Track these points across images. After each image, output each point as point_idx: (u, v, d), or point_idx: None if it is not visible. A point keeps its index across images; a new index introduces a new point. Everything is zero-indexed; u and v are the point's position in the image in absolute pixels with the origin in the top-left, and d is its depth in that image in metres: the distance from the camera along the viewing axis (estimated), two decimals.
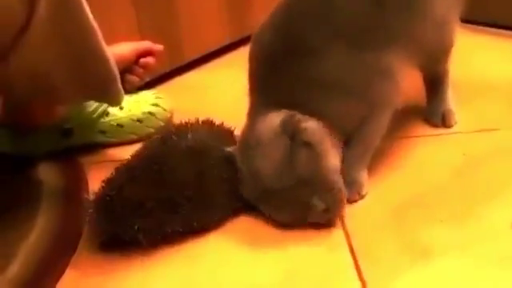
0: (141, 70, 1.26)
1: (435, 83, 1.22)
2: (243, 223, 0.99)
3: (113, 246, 0.93)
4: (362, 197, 1.01)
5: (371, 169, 1.04)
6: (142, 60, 1.25)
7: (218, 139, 1.03)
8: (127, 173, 0.96)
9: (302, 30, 0.97)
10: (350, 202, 1.00)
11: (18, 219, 1.03)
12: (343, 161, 1.01)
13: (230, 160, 0.99)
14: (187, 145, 0.99)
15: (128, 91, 1.25)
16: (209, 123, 1.07)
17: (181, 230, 0.94)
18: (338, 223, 0.96)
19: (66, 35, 0.97)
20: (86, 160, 1.22)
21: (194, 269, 0.90)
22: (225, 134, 1.07)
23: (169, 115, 1.30)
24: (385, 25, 0.99)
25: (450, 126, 1.20)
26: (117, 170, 0.97)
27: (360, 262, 0.87)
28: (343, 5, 0.98)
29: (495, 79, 1.38)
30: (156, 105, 1.30)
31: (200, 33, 1.58)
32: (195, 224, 0.95)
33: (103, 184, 0.95)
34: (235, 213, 0.99)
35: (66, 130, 1.22)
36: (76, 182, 1.15)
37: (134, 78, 1.24)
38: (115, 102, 1.12)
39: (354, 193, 1.01)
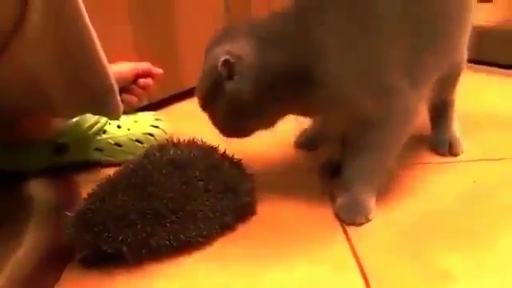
0: (139, 91, 1.22)
1: (441, 112, 1.21)
2: (240, 239, 0.94)
3: (97, 262, 0.87)
4: (368, 221, 0.96)
5: (379, 194, 1.00)
6: (142, 80, 1.22)
7: (201, 153, 0.99)
8: (109, 186, 0.91)
9: None
10: (357, 225, 0.95)
11: (7, 234, 0.97)
12: (348, 182, 0.98)
13: (215, 171, 0.95)
14: (169, 158, 0.95)
15: (125, 111, 1.21)
16: (191, 141, 1.03)
17: (167, 243, 0.88)
18: (346, 244, 0.91)
19: (62, 40, 0.94)
20: (81, 178, 1.16)
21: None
22: (208, 149, 1.02)
23: (168, 137, 1.25)
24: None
25: (457, 155, 1.17)
26: (98, 185, 0.92)
27: (371, 284, 0.81)
28: None
29: (499, 113, 1.39)
30: (156, 126, 1.26)
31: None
32: (182, 237, 0.89)
33: (84, 199, 0.91)
34: (222, 228, 0.94)
35: (60, 146, 1.16)
36: (68, 199, 1.08)
37: (132, 98, 1.20)
38: (113, 114, 1.07)
39: (361, 216, 0.96)
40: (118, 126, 1.22)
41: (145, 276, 0.86)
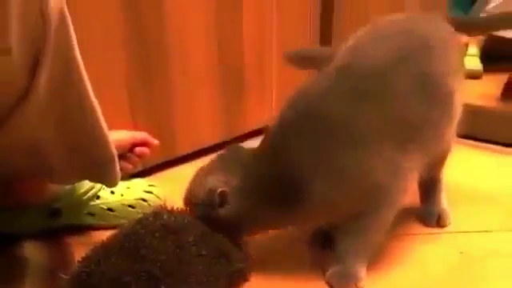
0: (136, 159, 1.24)
1: (430, 187, 1.22)
2: None
3: None
4: None
5: (369, 263, 1.01)
6: (138, 149, 1.23)
7: (195, 219, 0.99)
8: (103, 250, 0.91)
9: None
10: None
11: None
12: (341, 252, 1.00)
13: (208, 236, 0.96)
14: (162, 223, 0.95)
15: (121, 178, 1.23)
16: (185, 209, 1.03)
17: None
18: None
19: (65, 110, 0.96)
20: (73, 240, 1.16)
21: None
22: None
23: (162, 203, 1.25)
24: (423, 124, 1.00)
25: (444, 226, 1.19)
26: (92, 249, 0.92)
27: None
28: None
29: (485, 187, 1.40)
30: (149, 192, 1.27)
31: (193, 129, 1.58)
32: None
33: (79, 262, 0.91)
34: None
35: (54, 210, 1.17)
36: (62, 261, 1.09)
37: (128, 166, 1.21)
38: (111, 183, 1.09)
39: (352, 284, 0.97)
40: (112, 192, 1.23)
41: None
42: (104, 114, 1.04)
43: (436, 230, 1.18)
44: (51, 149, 0.99)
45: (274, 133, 0.99)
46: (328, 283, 0.99)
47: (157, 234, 0.93)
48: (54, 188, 1.17)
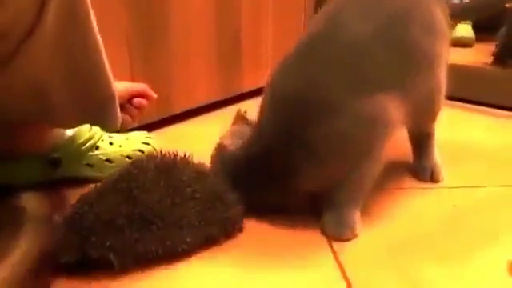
0: (134, 110, 1.23)
1: (422, 142, 1.23)
2: (227, 251, 0.95)
3: (81, 268, 0.87)
4: (354, 236, 0.98)
5: (363, 214, 1.02)
6: (136, 100, 1.23)
7: (188, 161, 1.00)
8: (97, 192, 0.92)
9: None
10: (343, 240, 0.98)
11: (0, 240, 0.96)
12: (334, 200, 1.00)
13: (203, 178, 0.96)
14: (155, 164, 0.95)
15: (118, 130, 1.22)
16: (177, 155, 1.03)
17: (153, 249, 0.88)
18: (331, 257, 0.93)
19: (70, 48, 0.94)
20: (71, 192, 1.15)
21: None
22: (195, 163, 1.02)
23: None
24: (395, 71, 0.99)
25: (438, 181, 1.20)
26: (86, 192, 0.93)
27: None
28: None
29: (477, 146, 1.43)
30: (147, 144, 1.27)
31: (190, 88, 1.59)
32: (168, 243, 0.89)
33: (72, 204, 0.91)
34: (207, 239, 0.94)
35: (53, 160, 1.16)
36: (60, 211, 1.08)
37: (125, 117, 1.20)
38: (112, 124, 1.08)
39: (347, 231, 0.98)
40: (110, 143, 1.22)
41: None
42: None
43: (429, 185, 1.19)
44: (54, 88, 0.98)
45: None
46: (323, 231, 0.99)
47: (150, 175, 0.92)
48: (53, 138, 1.17)
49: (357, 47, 0.96)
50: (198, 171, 0.97)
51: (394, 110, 0.99)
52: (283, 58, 1.02)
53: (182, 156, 1.00)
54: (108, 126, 1.10)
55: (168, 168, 0.95)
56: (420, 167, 1.22)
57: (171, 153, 1.00)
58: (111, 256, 0.85)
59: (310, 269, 0.90)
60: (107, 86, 1.01)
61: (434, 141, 1.23)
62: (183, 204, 0.92)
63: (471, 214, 1.06)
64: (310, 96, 0.94)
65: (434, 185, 1.19)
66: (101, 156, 1.21)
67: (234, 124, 1.15)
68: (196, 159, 1.02)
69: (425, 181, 1.20)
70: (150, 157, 0.99)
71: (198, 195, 0.93)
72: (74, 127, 1.17)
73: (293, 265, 0.91)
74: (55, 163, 1.16)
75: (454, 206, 1.10)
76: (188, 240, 0.91)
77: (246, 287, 0.85)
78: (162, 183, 0.92)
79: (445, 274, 0.88)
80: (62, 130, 1.18)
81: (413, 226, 1.02)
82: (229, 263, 0.91)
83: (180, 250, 0.91)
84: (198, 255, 0.93)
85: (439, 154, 1.24)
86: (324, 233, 0.99)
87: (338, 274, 0.88)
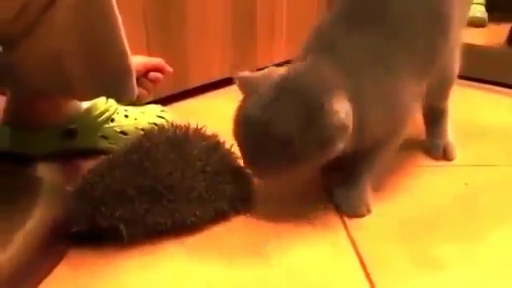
0: (149, 84, 1.23)
1: (435, 119, 1.23)
2: (238, 225, 0.95)
3: (91, 239, 0.88)
4: (369, 212, 0.98)
5: (375, 191, 1.02)
6: (152, 74, 1.22)
7: (200, 135, 0.99)
8: (108, 163, 0.92)
9: None
10: (359, 216, 0.97)
11: (16, 210, 0.96)
12: (352, 175, 1.00)
13: (213, 151, 0.95)
14: (168, 137, 0.95)
15: (134, 103, 1.22)
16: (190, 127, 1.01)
17: (162, 221, 0.88)
18: (344, 233, 0.93)
19: (88, 20, 0.94)
20: (86, 164, 1.13)
21: (190, 264, 0.85)
22: (207, 135, 1.01)
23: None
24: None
25: (451, 159, 1.19)
26: (98, 162, 0.93)
27: (368, 267, 0.84)
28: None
29: (491, 125, 1.41)
30: (161, 117, 1.27)
31: (205, 63, 1.59)
32: (177, 215, 0.89)
33: (83, 175, 0.91)
34: (217, 213, 0.94)
35: (69, 131, 1.16)
36: (73, 181, 1.09)
37: (141, 91, 1.20)
38: (128, 97, 1.07)
39: (363, 208, 0.98)
40: (126, 116, 1.23)
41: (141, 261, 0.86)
42: None
43: (442, 162, 1.18)
44: (72, 58, 0.98)
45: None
46: (337, 206, 0.99)
47: (161, 148, 0.92)
48: (70, 110, 1.17)
49: None
50: (209, 145, 0.97)
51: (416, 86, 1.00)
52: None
53: (195, 129, 1.00)
54: (124, 99, 1.10)
55: (180, 141, 0.95)
56: (432, 144, 1.22)
57: (183, 126, 1.00)
58: (121, 226, 0.86)
59: (322, 244, 0.90)
60: (124, 58, 1.01)
61: (448, 119, 1.23)
62: (193, 177, 0.91)
63: (483, 193, 1.06)
64: None
65: (447, 163, 1.18)
66: (116, 128, 1.20)
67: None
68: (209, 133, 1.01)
69: (437, 158, 1.19)
70: (162, 129, 0.99)
71: (208, 169, 0.93)
72: (90, 100, 1.17)
73: (305, 241, 0.91)
74: (71, 134, 1.17)
75: (467, 184, 1.09)
76: (197, 213, 0.91)
77: (257, 264, 0.86)
78: (172, 156, 0.91)
79: (456, 250, 0.88)
80: (78, 102, 1.18)
81: (425, 203, 1.02)
82: (236, 239, 0.91)
83: (189, 222, 0.91)
84: (206, 230, 0.93)
85: (453, 132, 1.23)
86: (338, 208, 0.99)
87: (351, 249, 0.89)
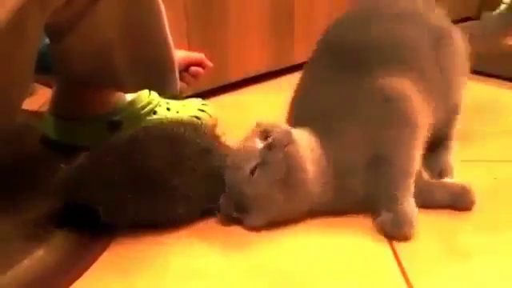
0: (190, 78, 1.25)
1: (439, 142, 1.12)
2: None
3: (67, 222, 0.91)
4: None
5: None
6: (193, 68, 1.25)
7: (198, 136, 0.97)
8: (103, 150, 0.93)
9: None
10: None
11: None
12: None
13: (207, 153, 0.95)
14: (165, 133, 0.95)
15: (175, 97, 1.24)
16: (193, 123, 1.03)
17: (144, 214, 0.90)
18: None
19: (133, 11, 0.97)
20: None
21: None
22: (210, 134, 1.01)
23: (213, 122, 1.28)
24: None
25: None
26: (96, 146, 0.94)
27: (399, 255, 0.86)
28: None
29: None
30: (202, 110, 1.30)
31: (245, 58, 1.61)
32: (160, 211, 0.91)
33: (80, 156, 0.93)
34: (204, 215, 0.95)
35: (114, 123, 1.19)
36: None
37: (182, 84, 1.22)
38: (171, 89, 1.10)
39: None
40: (168, 109, 1.25)
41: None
42: None
43: (470, 157, 1.16)
44: (117, 49, 1.01)
45: None
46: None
47: (156, 142, 0.93)
48: (115, 102, 1.20)
49: None
50: (203, 146, 0.96)
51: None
52: None
53: (195, 127, 1.00)
54: (167, 91, 1.13)
55: (176, 139, 0.95)
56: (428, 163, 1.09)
57: (183, 123, 1.00)
58: (100, 210, 0.87)
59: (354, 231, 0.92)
60: (168, 50, 1.04)
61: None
62: (182, 176, 0.92)
63: (511, 188, 1.05)
64: None
65: (476, 158, 1.17)
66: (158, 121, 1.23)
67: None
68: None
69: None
70: (162, 125, 0.99)
71: (196, 169, 0.93)
72: (135, 92, 1.20)
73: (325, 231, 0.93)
74: (116, 126, 1.20)
75: (495, 178, 1.09)
76: (180, 211, 0.92)
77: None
78: (165, 152, 0.92)
79: (482, 243, 0.89)
80: (122, 95, 1.21)
81: None
82: (217, 246, 0.91)
83: (171, 219, 0.92)
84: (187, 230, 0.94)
85: (481, 130, 1.23)
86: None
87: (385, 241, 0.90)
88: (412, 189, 0.92)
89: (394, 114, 0.93)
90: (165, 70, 1.06)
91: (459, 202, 0.96)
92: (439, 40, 1.03)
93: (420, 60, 1.00)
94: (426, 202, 0.95)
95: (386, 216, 0.91)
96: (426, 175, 1.01)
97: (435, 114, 1.01)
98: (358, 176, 0.92)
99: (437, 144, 1.10)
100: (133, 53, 1.02)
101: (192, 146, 0.95)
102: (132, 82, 1.08)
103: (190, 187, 0.92)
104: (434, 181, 1.01)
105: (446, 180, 1.04)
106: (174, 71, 1.07)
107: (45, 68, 1.05)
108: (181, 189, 0.91)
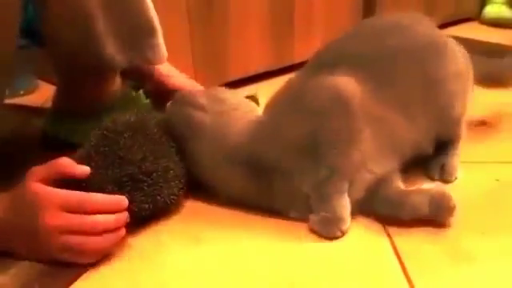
0: None
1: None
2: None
3: None
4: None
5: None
6: None
7: (153, 118, 0.97)
8: (80, 162, 0.87)
9: None
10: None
11: None
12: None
13: (168, 126, 0.96)
14: (127, 125, 0.92)
15: None
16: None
17: (146, 206, 0.88)
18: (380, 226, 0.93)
19: None
20: None
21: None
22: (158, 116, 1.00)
23: None
24: None
25: (448, 181, 1.07)
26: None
27: (402, 258, 0.85)
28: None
29: None
30: None
31: (245, 57, 1.62)
32: (159, 198, 0.89)
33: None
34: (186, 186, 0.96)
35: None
36: None
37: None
38: (157, 57, 1.09)
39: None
40: None
41: None
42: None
43: (472, 159, 1.15)
44: (98, 16, 1.00)
45: None
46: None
47: (126, 134, 0.90)
48: (113, 98, 1.18)
49: None
50: (160, 119, 0.97)
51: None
52: None
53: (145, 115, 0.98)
54: (152, 59, 1.11)
55: (139, 124, 0.93)
56: (429, 164, 1.10)
57: (134, 115, 0.97)
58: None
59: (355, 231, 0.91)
60: (148, 16, 1.04)
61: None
62: (165, 156, 0.91)
63: None
64: None
65: (478, 159, 1.15)
66: None
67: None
68: None
69: (432, 179, 1.08)
70: (115, 121, 0.95)
71: (172, 144, 0.94)
72: (124, 66, 1.13)
73: None
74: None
75: (498, 180, 1.07)
76: (176, 192, 0.92)
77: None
78: (141, 140, 0.90)
79: (486, 245, 0.87)
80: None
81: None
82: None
83: (169, 202, 0.91)
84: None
85: (485, 131, 1.23)
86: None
87: (386, 239, 0.89)
88: (345, 188, 0.90)
89: (333, 112, 0.90)
90: (148, 37, 1.06)
91: (439, 207, 0.91)
92: (425, 52, 1.00)
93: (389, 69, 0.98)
94: (401, 211, 0.92)
95: (315, 215, 0.90)
96: (401, 184, 0.97)
97: (419, 126, 0.98)
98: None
99: (441, 145, 1.08)
100: (114, 18, 1.02)
101: (152, 123, 0.95)
102: (117, 51, 1.05)
103: (177, 164, 0.93)
104: (409, 189, 0.97)
105: (423, 186, 1.02)
106: (158, 39, 1.07)
107: (31, 33, 1.07)
108: (171, 169, 0.91)
